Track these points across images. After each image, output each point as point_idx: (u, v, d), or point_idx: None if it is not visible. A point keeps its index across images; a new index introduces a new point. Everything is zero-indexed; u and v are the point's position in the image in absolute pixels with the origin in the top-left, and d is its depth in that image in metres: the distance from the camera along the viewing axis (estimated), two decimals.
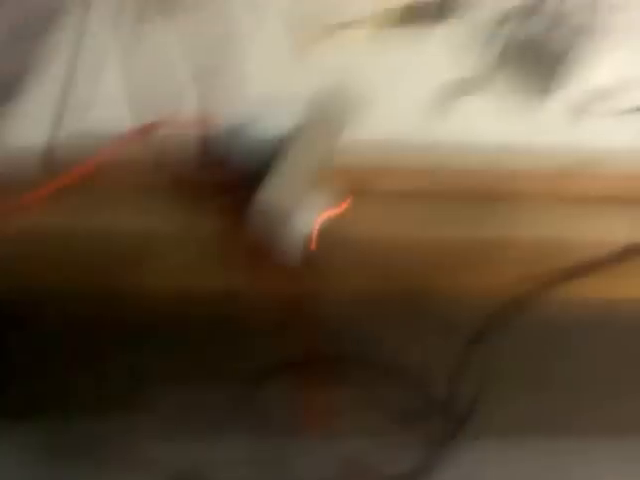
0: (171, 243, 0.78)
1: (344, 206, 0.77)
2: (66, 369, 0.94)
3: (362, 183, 0.80)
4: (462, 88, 0.90)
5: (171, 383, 0.96)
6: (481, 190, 0.84)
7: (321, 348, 0.85)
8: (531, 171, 0.85)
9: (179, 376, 0.95)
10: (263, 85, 0.87)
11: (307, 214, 0.76)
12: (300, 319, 0.79)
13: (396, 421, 0.96)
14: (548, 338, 0.92)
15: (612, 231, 0.83)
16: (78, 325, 0.86)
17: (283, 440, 0.98)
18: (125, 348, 0.91)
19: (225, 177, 0.77)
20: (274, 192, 0.74)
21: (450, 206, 0.83)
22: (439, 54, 0.95)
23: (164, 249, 0.78)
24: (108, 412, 0.97)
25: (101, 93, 0.84)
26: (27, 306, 0.82)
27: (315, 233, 0.75)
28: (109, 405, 0.97)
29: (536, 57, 0.93)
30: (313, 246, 0.75)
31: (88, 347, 0.91)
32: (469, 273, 0.82)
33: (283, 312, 0.78)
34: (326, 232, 0.76)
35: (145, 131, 0.79)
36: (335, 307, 0.81)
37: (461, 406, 0.94)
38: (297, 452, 0.97)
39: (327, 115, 0.81)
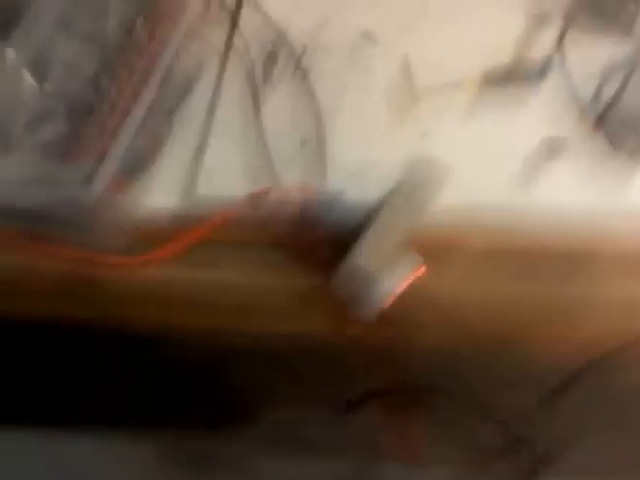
0: (272, 293, 0.90)
1: (424, 268, 0.86)
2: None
3: (444, 244, 0.88)
4: (553, 151, 0.95)
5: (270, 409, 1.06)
6: (564, 249, 0.90)
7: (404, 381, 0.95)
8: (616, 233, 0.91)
9: (278, 403, 1.05)
10: (357, 152, 0.95)
11: (391, 276, 0.84)
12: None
13: (480, 456, 1.03)
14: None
15: None
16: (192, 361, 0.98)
17: (367, 465, 1.06)
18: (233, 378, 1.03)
19: (320, 239, 0.87)
20: (361, 256, 0.83)
21: (532, 265, 0.90)
22: (533, 117, 0.97)
23: (267, 298, 0.90)
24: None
25: (220, 161, 0.94)
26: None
27: (397, 293, 0.84)
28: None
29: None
30: (391, 304, 0.84)
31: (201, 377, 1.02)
32: (549, 330, 0.89)
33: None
34: (408, 292, 0.85)
35: (254, 197, 0.90)
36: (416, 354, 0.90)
37: (542, 446, 1.01)
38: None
39: (415, 182, 0.88)
